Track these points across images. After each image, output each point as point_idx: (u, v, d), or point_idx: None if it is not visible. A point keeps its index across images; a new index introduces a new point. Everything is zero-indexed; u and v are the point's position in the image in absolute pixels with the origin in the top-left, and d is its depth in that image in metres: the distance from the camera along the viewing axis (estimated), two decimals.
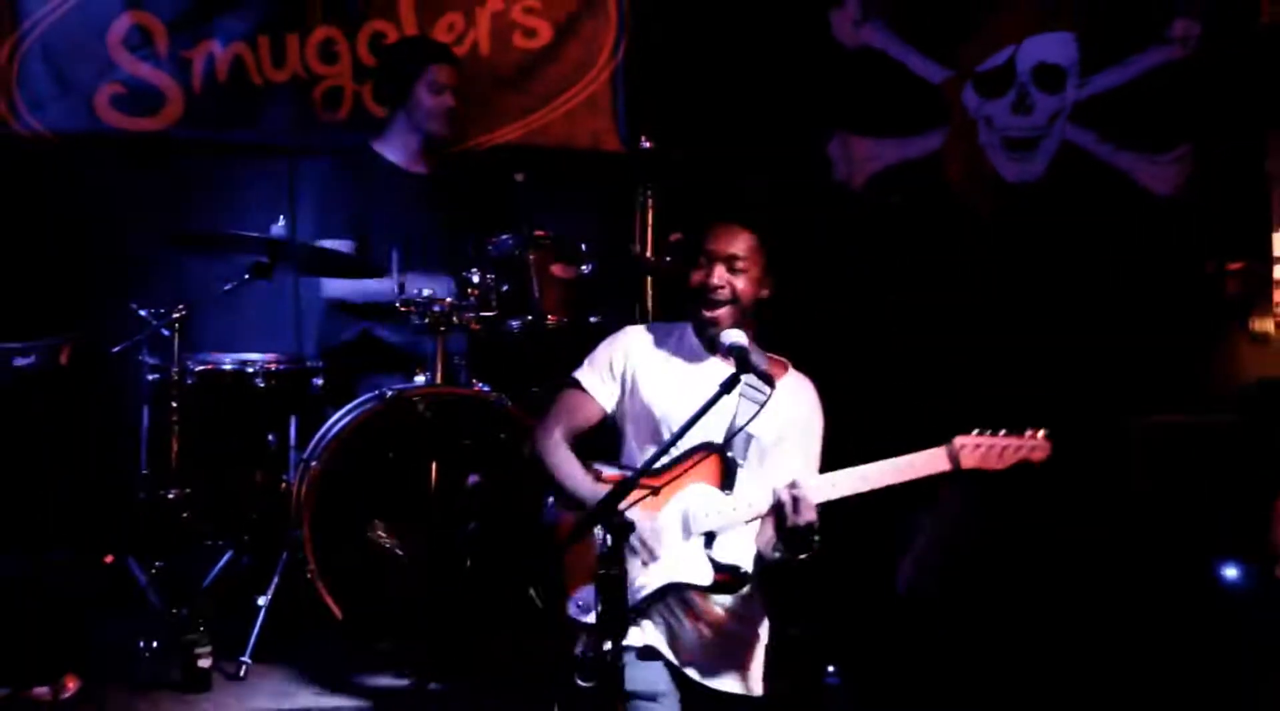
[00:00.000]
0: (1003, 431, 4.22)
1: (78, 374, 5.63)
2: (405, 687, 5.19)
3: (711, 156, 6.65)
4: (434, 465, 5.45)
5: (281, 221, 5.85)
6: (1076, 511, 6.57)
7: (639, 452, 4.30)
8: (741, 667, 4.26)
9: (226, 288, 5.69)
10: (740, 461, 4.20)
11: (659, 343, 4.41)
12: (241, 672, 5.26)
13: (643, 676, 4.07)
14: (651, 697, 4.07)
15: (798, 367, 4.45)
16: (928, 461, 4.15)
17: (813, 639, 5.61)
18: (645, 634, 4.16)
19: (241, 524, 5.72)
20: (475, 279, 5.60)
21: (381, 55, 6.53)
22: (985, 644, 5.73)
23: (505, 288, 5.64)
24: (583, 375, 4.41)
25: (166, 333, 5.62)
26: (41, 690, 5.02)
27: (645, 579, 4.12)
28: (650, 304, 6.16)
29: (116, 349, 5.67)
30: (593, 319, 5.80)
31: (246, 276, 5.63)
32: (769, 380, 3.99)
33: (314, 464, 5.47)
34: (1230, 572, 5.46)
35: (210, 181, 6.73)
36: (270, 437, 5.76)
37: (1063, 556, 6.39)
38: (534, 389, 5.65)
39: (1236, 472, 5.58)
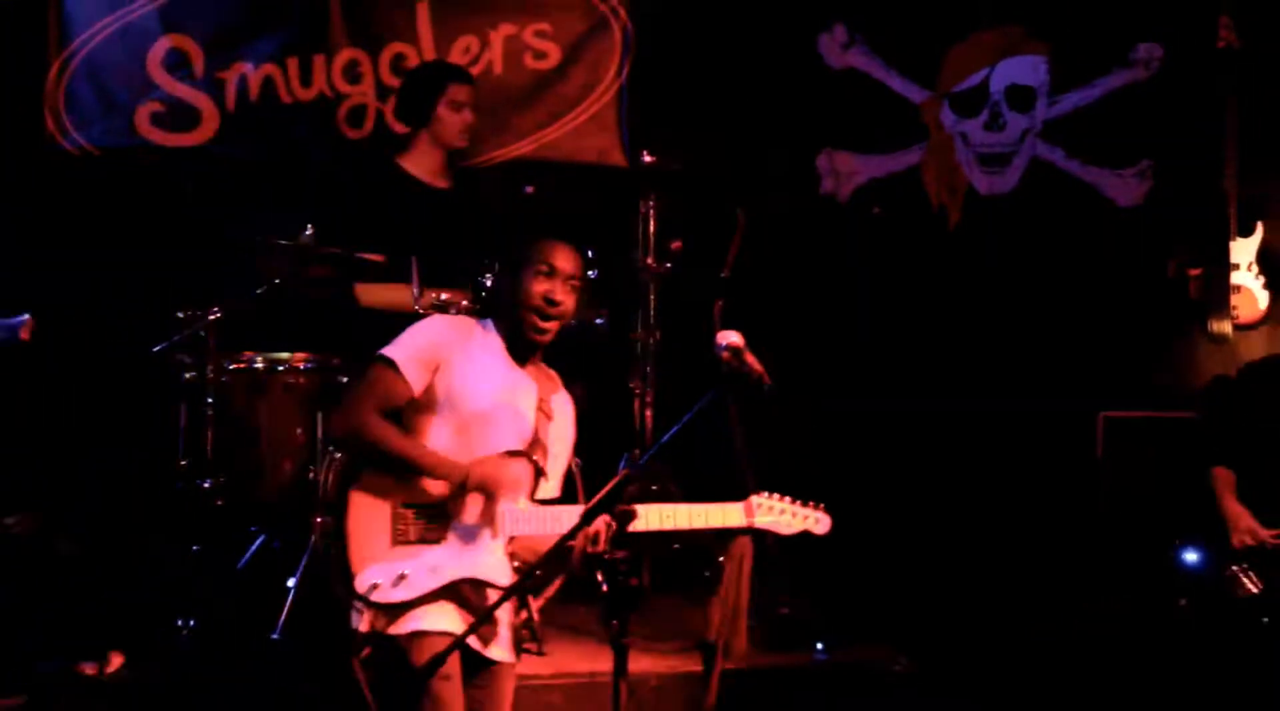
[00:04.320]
0: (787, 498, 4.18)
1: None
2: None
3: (708, 170, 6.66)
4: None
5: (309, 230, 5.85)
6: (1047, 498, 6.60)
7: (444, 442, 4.10)
8: (506, 638, 4.14)
9: (258, 291, 5.68)
10: (543, 468, 4.17)
11: (467, 337, 4.21)
12: (273, 648, 5.25)
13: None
14: (445, 678, 3.94)
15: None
16: (725, 514, 4.12)
17: (802, 617, 5.63)
18: (440, 618, 4.00)
19: (272, 511, 5.70)
20: (489, 284, 5.60)
21: (404, 78, 6.52)
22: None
23: None
24: (398, 357, 4.09)
25: (202, 333, 5.62)
26: (88, 665, 5.03)
27: (450, 567, 4.01)
28: (651, 305, 6.16)
29: (157, 349, 5.67)
30: (598, 320, 5.81)
31: (277, 281, 5.63)
32: (760, 382, 3.96)
33: (339, 457, 5.46)
34: (1190, 557, 5.46)
35: (243, 193, 6.71)
36: (298, 431, 5.74)
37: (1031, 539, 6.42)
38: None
39: (1196, 464, 5.58)
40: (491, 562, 4.06)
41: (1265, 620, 5.11)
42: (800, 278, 6.98)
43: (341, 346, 6.10)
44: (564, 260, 4.19)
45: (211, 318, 5.61)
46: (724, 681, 5.13)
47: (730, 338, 3.97)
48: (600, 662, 5.05)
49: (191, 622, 5.31)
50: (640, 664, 5.09)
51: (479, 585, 4.05)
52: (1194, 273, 7.20)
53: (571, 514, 4.01)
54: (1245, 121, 7.14)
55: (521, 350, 4.24)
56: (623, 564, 3.68)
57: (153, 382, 6.08)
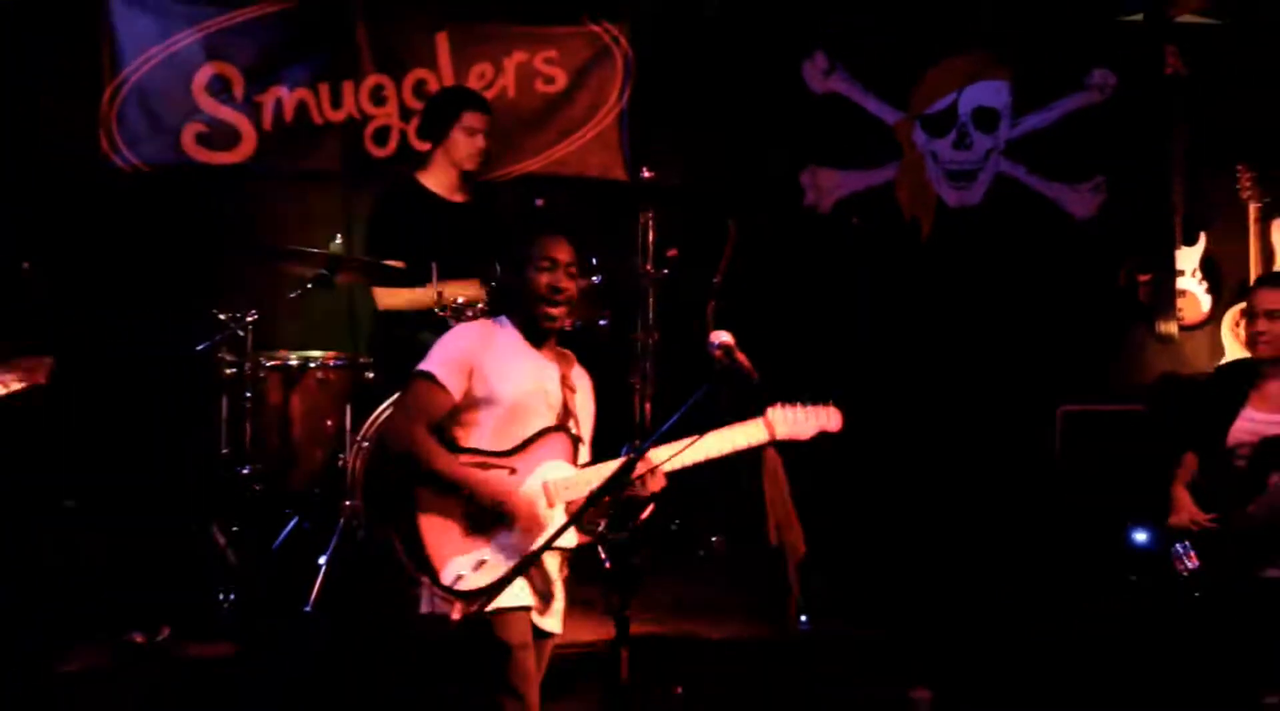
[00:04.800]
0: (798, 405, 4.16)
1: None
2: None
3: (702, 184, 6.65)
4: None
5: (338, 239, 5.83)
6: (1011, 484, 6.59)
7: (490, 434, 4.11)
8: (559, 611, 4.16)
9: (292, 295, 5.68)
10: (580, 437, 4.18)
11: (491, 337, 4.20)
12: (305, 620, 5.25)
13: (517, 629, 3.99)
14: (524, 647, 3.99)
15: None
16: (749, 433, 4.12)
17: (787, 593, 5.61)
18: (518, 593, 4.00)
19: (305, 495, 5.70)
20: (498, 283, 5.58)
21: (425, 101, 6.53)
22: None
23: None
24: (436, 370, 4.09)
25: (241, 333, 5.62)
26: (138, 635, 5.02)
27: (521, 544, 4.01)
28: (650, 308, 6.15)
29: (200, 347, 5.68)
30: (601, 321, 5.81)
31: (309, 286, 5.62)
32: (749, 377, 3.95)
33: (366, 444, 5.47)
34: (1140, 536, 5.45)
35: (278, 206, 6.71)
36: (329, 422, 5.73)
37: (996, 523, 6.41)
38: None
39: (1145, 453, 5.57)
40: (558, 529, 4.01)
41: (1197, 594, 5.09)
42: (783, 283, 6.96)
43: (367, 346, 6.13)
44: (560, 251, 4.18)
45: (249, 319, 5.61)
46: (710, 650, 5.13)
47: (722, 337, 3.98)
48: (602, 632, 5.02)
49: (231, 596, 5.31)
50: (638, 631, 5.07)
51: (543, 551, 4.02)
52: (1143, 278, 7.22)
53: (610, 469, 4.02)
54: (1190, 141, 7.17)
55: (537, 337, 4.24)
56: (625, 544, 3.67)
57: (197, 378, 6.08)
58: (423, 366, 4.13)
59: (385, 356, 5.94)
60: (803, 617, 5.48)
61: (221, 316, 5.63)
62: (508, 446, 4.10)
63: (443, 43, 6.75)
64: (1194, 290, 7.23)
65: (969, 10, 6.84)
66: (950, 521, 6.43)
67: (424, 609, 4.03)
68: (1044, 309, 7.11)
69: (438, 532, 4.00)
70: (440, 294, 5.57)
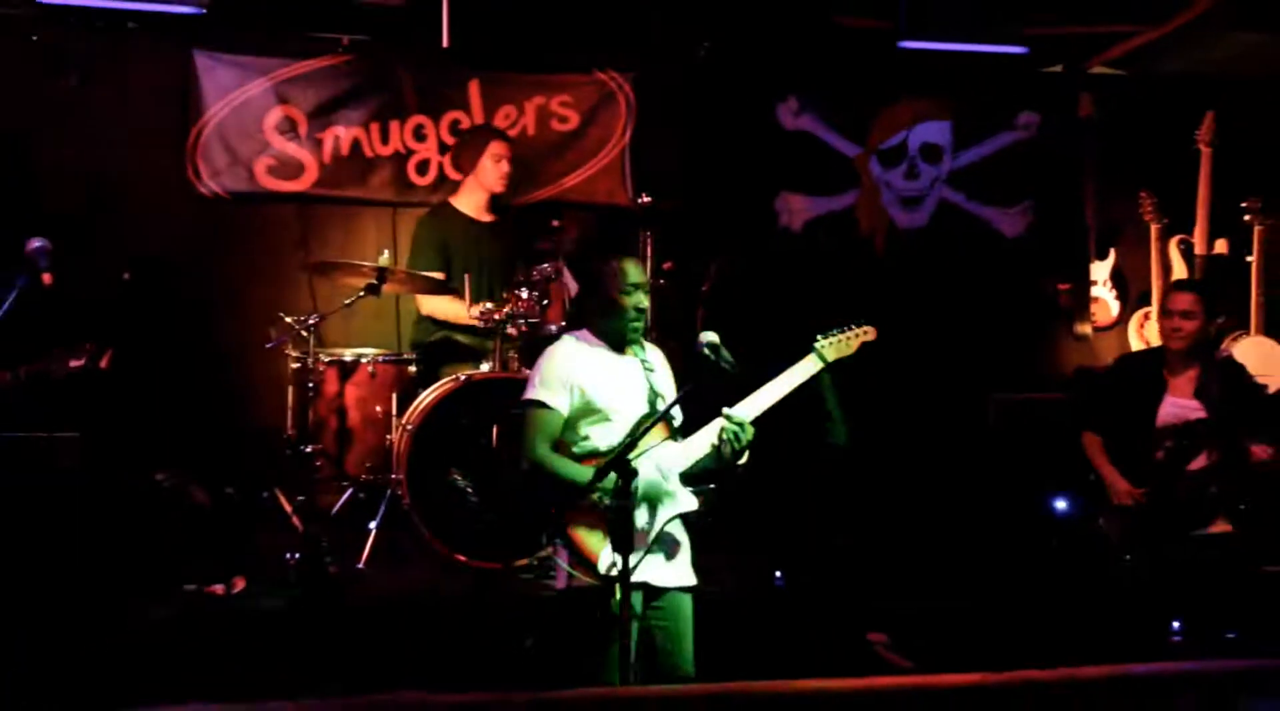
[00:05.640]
0: (834, 332, 4.13)
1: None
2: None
3: (692, 208, 6.65)
4: (495, 428, 5.45)
5: (386, 254, 5.85)
6: (948, 461, 6.59)
7: (601, 438, 3.98)
8: (686, 564, 4.05)
9: (347, 302, 5.69)
10: (670, 414, 4.08)
11: (580, 350, 4.04)
12: (358, 575, 5.29)
13: (626, 602, 3.85)
14: (630, 617, 3.84)
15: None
16: (806, 367, 4.06)
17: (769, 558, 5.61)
18: (640, 569, 3.81)
19: (358, 470, 5.71)
20: (524, 295, 5.60)
21: (458, 136, 6.55)
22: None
23: (545, 302, 5.65)
24: (543, 395, 3.96)
25: (305, 333, 5.63)
26: (218, 587, 5.04)
27: (652, 523, 3.92)
28: (650, 314, 6.14)
29: (270, 345, 5.70)
30: None
31: (361, 294, 5.63)
32: (733, 363, 3.92)
33: (409, 427, 5.48)
34: (1060, 504, 5.46)
35: (336, 226, 6.72)
36: (377, 408, 5.73)
37: (936, 493, 6.41)
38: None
39: (1064, 434, 5.57)
40: (679, 500, 3.97)
41: (1127, 557, 5.08)
42: (761, 290, 6.96)
43: (410, 344, 6.14)
44: (637, 273, 4.06)
45: (311, 321, 5.63)
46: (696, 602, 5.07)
47: (709, 337, 3.98)
48: None
49: (297, 555, 5.32)
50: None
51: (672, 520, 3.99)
52: (1063, 287, 7.26)
53: (707, 433, 3.95)
54: (1101, 172, 7.20)
55: (620, 345, 4.11)
56: (625, 511, 3.67)
57: (267, 370, 6.10)
58: (529, 396, 4.00)
59: (425, 353, 5.96)
60: (778, 574, 5.49)
61: (288, 319, 5.65)
62: (618, 442, 3.95)
63: (474, 89, 6.74)
64: (1105, 297, 7.26)
65: (917, 63, 6.84)
66: (898, 492, 6.42)
67: (560, 584, 3.95)
68: (979, 312, 7.10)
69: (586, 536, 3.88)
70: (472, 304, 5.60)
